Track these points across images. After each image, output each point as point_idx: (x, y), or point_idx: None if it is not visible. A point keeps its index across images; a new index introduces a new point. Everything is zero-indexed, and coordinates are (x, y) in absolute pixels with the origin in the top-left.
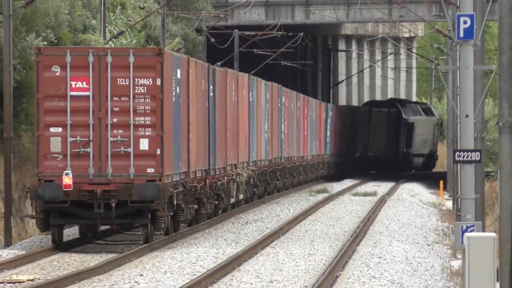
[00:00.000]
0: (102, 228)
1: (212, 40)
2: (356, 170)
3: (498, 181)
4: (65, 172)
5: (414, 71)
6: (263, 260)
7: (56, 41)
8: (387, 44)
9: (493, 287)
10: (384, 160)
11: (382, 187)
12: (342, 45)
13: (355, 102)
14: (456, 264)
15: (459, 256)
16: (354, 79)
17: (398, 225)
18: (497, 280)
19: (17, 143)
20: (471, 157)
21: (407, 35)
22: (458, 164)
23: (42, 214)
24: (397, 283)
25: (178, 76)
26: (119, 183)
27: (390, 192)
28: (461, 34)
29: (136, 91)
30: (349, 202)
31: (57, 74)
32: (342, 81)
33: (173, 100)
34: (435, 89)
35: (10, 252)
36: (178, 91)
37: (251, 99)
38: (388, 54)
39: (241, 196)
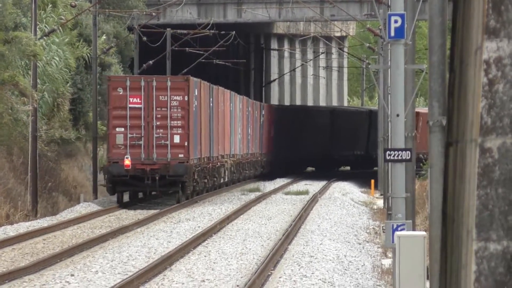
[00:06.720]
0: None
1: (144, 38)
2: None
3: (429, 180)
4: (125, 156)
5: (345, 70)
6: (195, 259)
7: None
8: (319, 44)
9: (423, 285)
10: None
11: (314, 186)
12: (274, 44)
13: (287, 101)
14: (386, 262)
15: (390, 255)
16: (286, 78)
17: (329, 224)
18: (427, 278)
19: None
20: (401, 156)
21: (338, 34)
22: (389, 163)
23: (111, 184)
24: (328, 282)
25: (196, 94)
26: (160, 163)
27: (321, 191)
28: (392, 33)
29: (171, 104)
30: (281, 200)
31: (121, 93)
32: (274, 80)
33: (194, 110)
34: (366, 89)
35: None
36: (196, 104)
37: (231, 109)
38: (320, 53)
39: (226, 178)
